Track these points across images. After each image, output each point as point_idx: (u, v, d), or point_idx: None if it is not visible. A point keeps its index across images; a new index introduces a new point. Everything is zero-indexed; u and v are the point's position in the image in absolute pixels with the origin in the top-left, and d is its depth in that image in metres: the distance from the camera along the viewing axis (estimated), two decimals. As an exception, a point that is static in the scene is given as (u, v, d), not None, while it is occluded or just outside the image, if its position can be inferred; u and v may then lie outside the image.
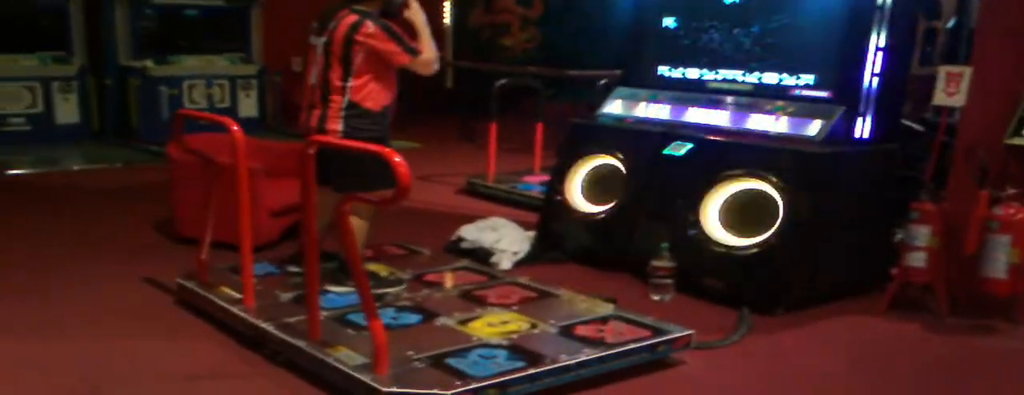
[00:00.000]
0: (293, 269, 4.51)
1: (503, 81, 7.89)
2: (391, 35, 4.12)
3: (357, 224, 4.09)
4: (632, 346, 3.60)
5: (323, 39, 4.21)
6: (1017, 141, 4.27)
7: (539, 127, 7.88)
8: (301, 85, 4.49)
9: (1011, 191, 4.22)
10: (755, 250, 4.53)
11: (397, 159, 3.01)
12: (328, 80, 4.21)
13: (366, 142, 3.82)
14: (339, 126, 4.18)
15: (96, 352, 3.83)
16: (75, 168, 8.31)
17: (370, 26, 4.09)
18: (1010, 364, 4.02)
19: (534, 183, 7.29)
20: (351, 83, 4.16)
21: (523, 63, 10.61)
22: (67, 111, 9.45)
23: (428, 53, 4.21)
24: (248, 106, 10.29)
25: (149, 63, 9.63)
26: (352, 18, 4.13)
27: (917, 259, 4.41)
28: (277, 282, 4.41)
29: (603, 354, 3.52)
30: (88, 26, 9.58)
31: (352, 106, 4.18)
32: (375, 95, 4.20)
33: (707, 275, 4.67)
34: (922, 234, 4.38)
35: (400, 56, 4.14)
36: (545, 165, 7.80)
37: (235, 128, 3.94)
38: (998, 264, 4.21)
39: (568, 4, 10.96)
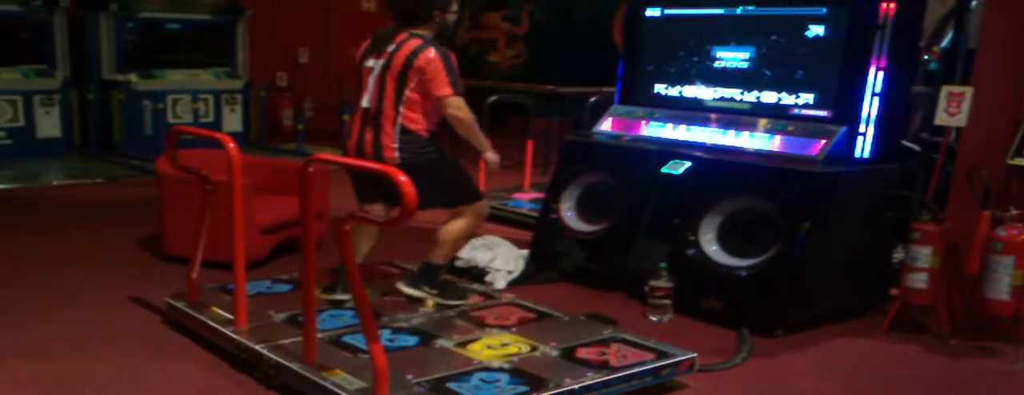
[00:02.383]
0: (341, 297, 4.31)
1: (494, 98, 7.84)
2: (446, 64, 4.06)
3: (460, 228, 4.32)
4: (636, 370, 3.53)
5: (381, 61, 4.14)
6: (1019, 161, 4.25)
7: (529, 144, 7.83)
8: (354, 108, 4.33)
9: (1014, 212, 4.19)
10: (755, 270, 4.48)
11: (403, 178, 2.94)
12: (382, 104, 4.15)
13: (426, 165, 4.06)
14: (395, 153, 4.13)
15: (82, 375, 3.71)
16: (56, 183, 8.17)
17: (431, 52, 4.04)
18: (1013, 386, 3.97)
19: (524, 200, 7.23)
20: (403, 108, 4.11)
21: (509, 79, 10.56)
22: (48, 125, 9.30)
23: (466, 110, 4.13)
24: (233, 121, 10.17)
25: (133, 77, 9.51)
26: (415, 42, 4.09)
27: (918, 280, 4.37)
28: (269, 302, 4.30)
29: (607, 378, 3.44)
30: (71, 39, 9.45)
31: (405, 131, 4.13)
32: (424, 120, 4.15)
33: (706, 295, 4.61)
34: (923, 254, 4.35)
35: (444, 87, 4.05)
36: (533, 182, 7.76)
37: (231, 145, 3.84)
38: (1001, 285, 4.18)
39: (555, 21, 10.94)
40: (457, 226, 4.33)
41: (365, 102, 4.20)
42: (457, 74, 4.11)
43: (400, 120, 4.12)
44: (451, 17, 4.28)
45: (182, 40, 10.31)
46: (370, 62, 4.19)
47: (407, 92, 4.08)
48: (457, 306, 4.33)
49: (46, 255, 5.62)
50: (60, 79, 9.32)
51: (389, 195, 4.08)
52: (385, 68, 4.12)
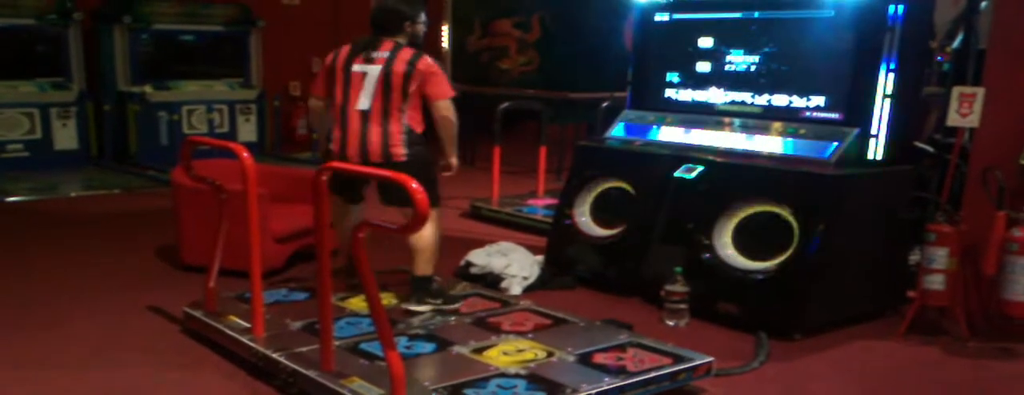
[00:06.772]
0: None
1: (506, 105, 7.86)
2: (442, 69, 4.47)
3: (433, 232, 4.46)
4: (653, 374, 3.53)
5: (379, 67, 4.37)
6: (1033, 161, 4.24)
7: (542, 150, 7.84)
8: (316, 111, 4.73)
9: (1029, 212, 4.19)
10: (770, 274, 4.47)
11: (414, 185, 2.96)
12: (387, 108, 4.38)
13: (425, 163, 4.40)
14: (403, 150, 4.39)
15: (101, 384, 3.75)
16: (74, 194, 8.23)
17: (427, 59, 4.40)
18: (1033, 388, 3.96)
19: (538, 206, 7.24)
20: (408, 110, 4.40)
21: (521, 86, 10.57)
22: (65, 137, 9.38)
23: (454, 113, 4.52)
24: (247, 131, 10.25)
25: (148, 88, 9.59)
26: (410, 50, 4.41)
27: (935, 282, 4.36)
28: (287, 310, 4.33)
29: (624, 383, 3.44)
30: (87, 52, 9.53)
31: (410, 132, 4.41)
32: (421, 120, 4.47)
33: (722, 300, 4.61)
34: (939, 256, 4.34)
35: (447, 90, 4.44)
36: (547, 188, 7.78)
37: (245, 154, 3.87)
38: (1018, 286, 4.18)
39: (565, 27, 10.95)
40: (429, 230, 4.41)
41: (363, 105, 4.39)
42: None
43: (405, 120, 4.39)
44: (421, 28, 4.59)
45: (196, 51, 10.39)
46: (358, 67, 4.41)
47: (410, 95, 4.37)
48: (453, 311, 4.43)
49: (64, 265, 5.66)
50: (76, 91, 9.40)
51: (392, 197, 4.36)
52: (387, 72, 4.35)
